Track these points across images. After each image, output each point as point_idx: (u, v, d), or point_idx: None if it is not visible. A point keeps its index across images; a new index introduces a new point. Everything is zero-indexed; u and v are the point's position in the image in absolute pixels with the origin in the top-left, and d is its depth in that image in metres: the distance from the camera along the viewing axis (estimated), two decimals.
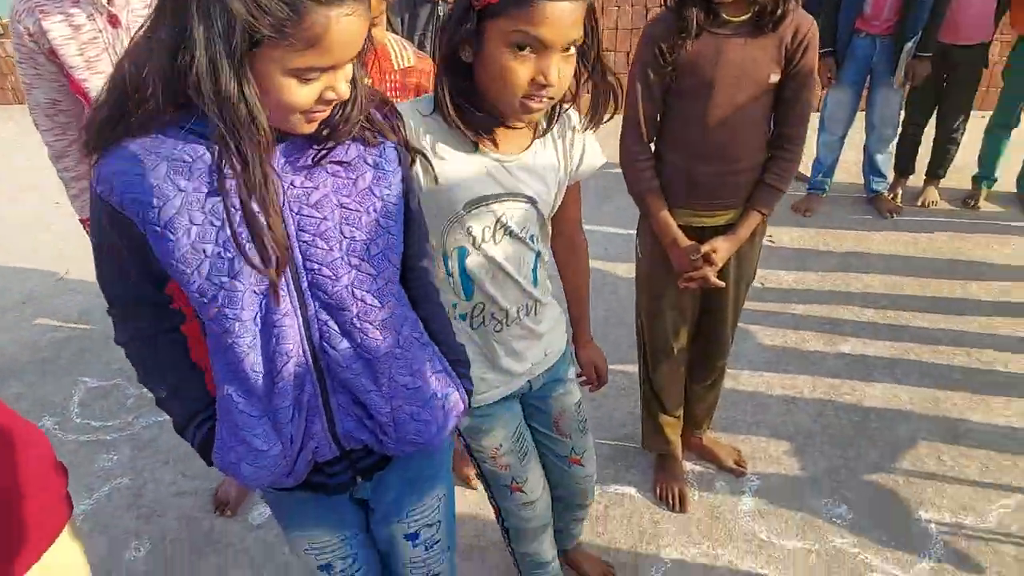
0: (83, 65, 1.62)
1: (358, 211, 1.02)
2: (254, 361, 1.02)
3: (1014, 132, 3.86)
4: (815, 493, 2.23)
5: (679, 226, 1.84)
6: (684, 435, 2.31)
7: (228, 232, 0.93)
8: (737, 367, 2.78)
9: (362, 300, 1.05)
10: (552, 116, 1.31)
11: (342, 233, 1.01)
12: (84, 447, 2.60)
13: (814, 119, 3.79)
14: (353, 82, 0.97)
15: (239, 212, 0.92)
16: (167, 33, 0.85)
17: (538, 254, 1.39)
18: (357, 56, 0.95)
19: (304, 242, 0.99)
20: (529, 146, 1.30)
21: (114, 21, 1.60)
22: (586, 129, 1.33)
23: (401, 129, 1.08)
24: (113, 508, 2.32)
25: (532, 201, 1.32)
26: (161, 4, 0.86)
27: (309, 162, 0.99)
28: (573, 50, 1.14)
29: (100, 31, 1.60)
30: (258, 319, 1.00)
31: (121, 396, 2.84)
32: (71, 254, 3.90)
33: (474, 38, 1.15)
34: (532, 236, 1.36)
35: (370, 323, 1.07)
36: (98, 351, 3.10)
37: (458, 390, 1.20)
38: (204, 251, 0.94)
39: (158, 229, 0.93)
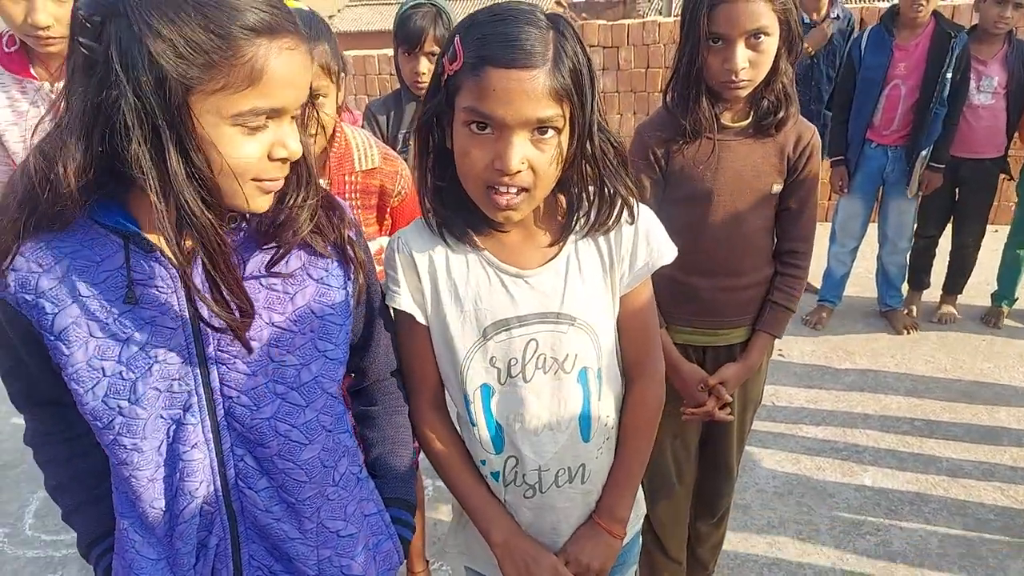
0: (23, 151, 1.57)
1: (291, 332, 0.88)
2: (154, 496, 0.88)
3: None
4: None
5: (679, 346, 1.66)
6: None
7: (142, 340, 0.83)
8: (747, 497, 2.54)
9: (286, 436, 0.90)
10: (573, 209, 1.05)
11: (269, 357, 0.87)
12: (31, 564, 2.38)
13: (824, 229, 3.72)
14: (304, 158, 0.85)
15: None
16: (79, 108, 0.73)
17: (590, 398, 1.08)
18: (301, 118, 0.83)
19: (223, 364, 0.86)
20: (558, 253, 1.05)
21: (58, 110, 1.54)
22: (588, 235, 1.06)
23: (348, 235, 0.94)
24: None
25: (576, 323, 1.05)
26: (69, 80, 0.75)
27: (243, 272, 0.85)
28: (551, 133, 0.93)
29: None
30: (163, 448, 0.87)
31: None
32: None
33: (447, 117, 0.98)
34: (583, 371, 1.07)
35: (294, 462, 0.91)
36: None
37: (391, 539, 1.04)
38: (102, 369, 0.82)
39: (51, 338, 0.81)
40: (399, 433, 1.10)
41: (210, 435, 0.88)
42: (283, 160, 0.81)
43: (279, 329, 0.88)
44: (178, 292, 0.82)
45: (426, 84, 2.12)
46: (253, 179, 0.80)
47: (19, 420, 3.10)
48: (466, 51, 0.90)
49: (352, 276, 0.94)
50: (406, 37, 2.06)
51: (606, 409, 1.11)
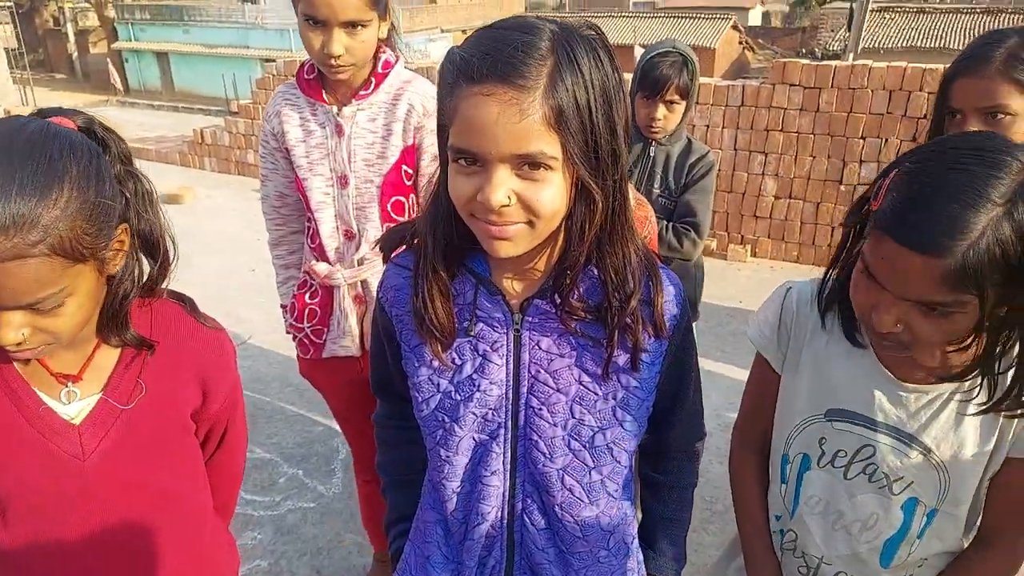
0: (306, 166, 1.70)
1: (595, 394, 0.91)
2: (455, 507, 0.97)
3: None
4: None
5: None
6: None
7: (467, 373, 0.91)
8: None
9: (569, 490, 0.94)
10: (991, 357, 0.90)
11: (571, 412, 0.91)
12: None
13: None
14: (625, 263, 0.87)
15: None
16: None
17: (908, 531, 0.99)
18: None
19: (531, 408, 0.91)
20: (947, 380, 0.94)
21: (339, 130, 1.65)
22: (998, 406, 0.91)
23: (666, 308, 0.91)
24: None
25: (930, 456, 0.95)
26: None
27: (559, 325, 0.89)
28: (956, 313, 0.82)
29: (326, 139, 1.67)
30: (468, 467, 0.95)
31: (275, 473, 2.87)
32: (254, 321, 4.13)
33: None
34: (912, 501, 0.98)
35: (572, 516, 0.95)
36: (263, 423, 3.18)
37: None
38: (438, 385, 0.93)
39: (407, 350, 0.94)
40: (680, 511, 1.08)
41: (508, 466, 0.93)
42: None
43: (585, 388, 0.91)
44: (508, 334, 0.89)
45: (660, 129, 2.16)
46: None
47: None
48: (884, 201, 0.86)
49: (664, 351, 0.93)
50: (649, 83, 2.10)
51: (923, 551, 1.01)
